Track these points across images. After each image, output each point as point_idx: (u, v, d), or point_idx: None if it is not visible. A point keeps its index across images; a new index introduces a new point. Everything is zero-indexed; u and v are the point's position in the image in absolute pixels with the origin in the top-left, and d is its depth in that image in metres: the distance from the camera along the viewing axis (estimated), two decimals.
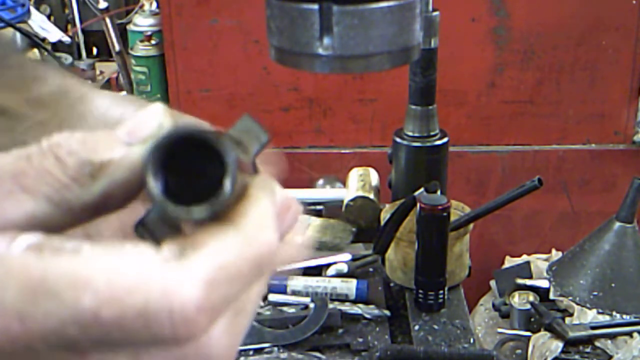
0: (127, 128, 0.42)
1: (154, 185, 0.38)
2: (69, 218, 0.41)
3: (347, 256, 1.45)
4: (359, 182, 1.59)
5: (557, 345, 1.58)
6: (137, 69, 2.50)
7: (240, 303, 0.40)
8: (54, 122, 0.57)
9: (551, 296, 1.73)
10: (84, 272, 0.36)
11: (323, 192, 1.71)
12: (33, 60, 0.64)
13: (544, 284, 1.78)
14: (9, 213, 0.39)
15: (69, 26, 2.82)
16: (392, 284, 1.40)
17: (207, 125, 0.54)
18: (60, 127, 0.57)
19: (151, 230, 0.42)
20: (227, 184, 0.38)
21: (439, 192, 1.28)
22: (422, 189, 1.29)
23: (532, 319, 1.75)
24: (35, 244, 0.38)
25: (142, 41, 2.50)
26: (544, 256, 2.14)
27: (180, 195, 0.39)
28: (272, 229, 0.41)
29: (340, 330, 1.28)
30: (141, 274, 0.37)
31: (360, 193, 1.54)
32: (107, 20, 2.55)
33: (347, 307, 1.30)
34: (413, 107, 1.46)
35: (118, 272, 0.37)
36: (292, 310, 1.31)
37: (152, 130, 0.41)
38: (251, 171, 0.44)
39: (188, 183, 0.40)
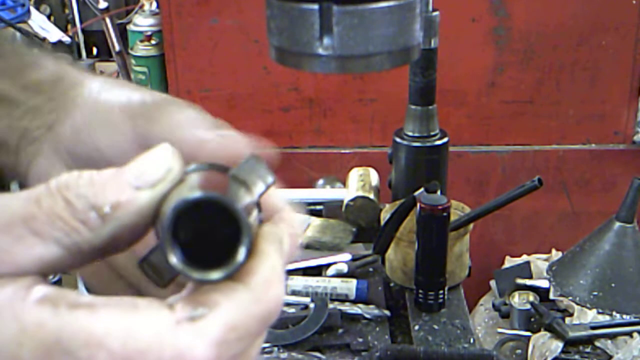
0: (135, 170, 0.41)
1: (174, 257, 0.39)
2: (78, 260, 0.41)
3: (347, 256, 1.45)
4: (359, 182, 1.59)
5: (557, 345, 1.58)
6: (137, 69, 2.50)
7: (246, 354, 0.41)
8: (48, 107, 0.57)
9: (551, 296, 1.73)
10: (99, 331, 0.37)
11: (323, 192, 1.71)
12: (28, 48, 0.64)
13: (544, 284, 1.78)
14: (20, 258, 0.39)
15: (69, 26, 2.82)
16: (392, 284, 1.40)
17: (210, 119, 0.54)
18: (54, 112, 0.57)
19: (155, 268, 0.43)
20: (243, 251, 0.40)
21: (439, 192, 1.28)
22: (422, 189, 1.29)
23: (532, 319, 1.75)
24: (50, 297, 0.38)
25: (142, 41, 2.50)
26: (544, 256, 2.14)
27: (191, 246, 0.40)
28: (280, 284, 0.41)
29: (340, 330, 1.28)
30: (155, 335, 0.37)
31: (360, 193, 1.54)
32: (107, 20, 2.55)
33: (347, 307, 1.30)
34: (413, 107, 1.46)
35: (132, 332, 0.37)
36: (292, 310, 1.31)
37: (161, 174, 0.42)
38: (256, 213, 0.45)
39: (198, 233, 0.41)
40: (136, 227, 0.41)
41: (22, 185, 0.60)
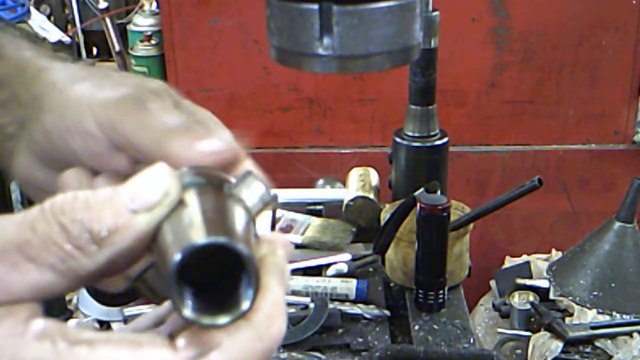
0: (131, 191, 0.40)
1: (187, 310, 0.39)
2: (74, 285, 0.40)
3: (347, 256, 1.45)
4: (359, 182, 1.58)
5: (557, 345, 1.58)
6: (137, 69, 2.50)
7: None
8: (15, 102, 0.56)
9: (551, 296, 1.73)
10: None
11: (323, 192, 1.71)
12: None
13: (544, 284, 1.78)
14: (15, 286, 0.39)
15: (69, 26, 2.82)
16: (392, 284, 1.40)
17: (213, 118, 0.53)
18: (22, 108, 0.55)
19: (150, 285, 0.42)
20: (250, 296, 0.39)
21: (439, 192, 1.28)
22: (422, 189, 1.29)
23: (532, 319, 1.75)
24: (48, 333, 0.37)
25: (142, 41, 2.50)
26: (544, 256, 2.14)
27: (193, 282, 0.39)
28: (281, 319, 0.41)
29: (340, 330, 1.28)
30: None
31: (360, 193, 1.54)
32: (107, 20, 2.55)
33: (347, 307, 1.30)
34: (413, 107, 1.46)
35: None
36: (292, 310, 1.31)
37: (158, 197, 0.41)
38: (254, 230, 0.44)
39: (200, 269, 0.41)
40: (133, 251, 0.41)
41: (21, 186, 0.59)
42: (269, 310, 0.40)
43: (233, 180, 0.47)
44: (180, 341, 0.39)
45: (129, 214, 0.40)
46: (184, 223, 0.40)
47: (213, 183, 0.45)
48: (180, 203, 0.42)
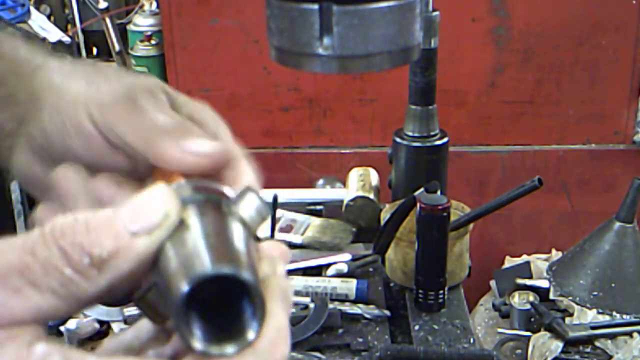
0: (131, 213, 0.40)
1: (194, 340, 0.39)
2: (74, 308, 0.40)
3: (347, 256, 1.44)
4: (359, 182, 1.58)
5: (557, 345, 1.57)
6: (137, 69, 2.50)
7: None
8: (12, 100, 0.56)
9: (551, 296, 1.73)
10: None
11: (323, 192, 1.71)
12: None
13: (544, 284, 1.78)
14: (17, 310, 0.39)
15: (69, 26, 2.82)
16: (392, 284, 1.40)
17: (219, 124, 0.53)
18: (20, 105, 0.55)
19: (151, 305, 0.42)
20: (254, 330, 0.40)
21: (439, 192, 1.28)
22: (422, 189, 1.29)
23: (532, 319, 1.75)
24: (51, 356, 0.38)
25: (142, 41, 2.50)
26: (544, 256, 2.14)
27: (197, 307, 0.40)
28: (285, 343, 0.41)
29: (340, 330, 1.28)
30: None
31: (360, 193, 1.54)
32: (107, 20, 2.55)
33: (347, 307, 1.30)
34: (413, 107, 1.46)
35: None
36: (292, 310, 1.30)
37: (157, 220, 0.41)
38: (254, 245, 0.45)
39: (205, 293, 0.41)
40: (134, 274, 0.41)
41: (19, 184, 0.59)
42: (273, 336, 0.40)
43: (229, 191, 0.47)
44: None
45: (129, 237, 0.40)
46: (188, 249, 0.40)
47: (211, 200, 0.45)
48: (181, 224, 0.42)
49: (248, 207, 0.45)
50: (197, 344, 0.39)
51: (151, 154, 0.49)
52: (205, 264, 0.39)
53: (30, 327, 0.39)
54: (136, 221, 0.40)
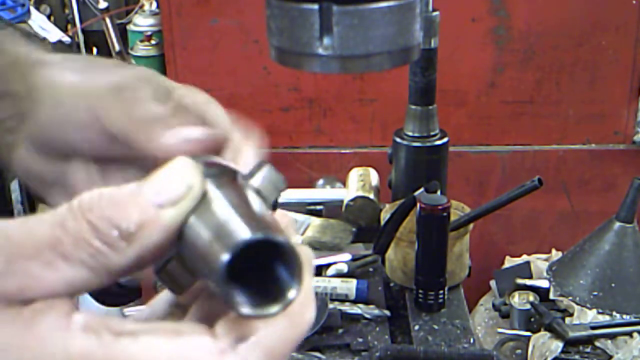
0: (155, 186, 0.41)
1: (241, 305, 0.40)
2: (105, 280, 0.41)
3: (347, 256, 1.45)
4: (359, 182, 1.59)
5: (557, 345, 1.57)
6: None
7: None
8: (12, 96, 0.57)
9: (551, 296, 1.73)
10: (145, 359, 0.38)
11: (323, 192, 1.71)
12: None
13: (544, 284, 1.78)
14: (50, 282, 0.40)
15: (69, 26, 2.82)
16: (392, 284, 1.40)
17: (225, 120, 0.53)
18: (22, 101, 0.56)
19: (173, 277, 0.43)
20: (295, 289, 0.40)
21: (439, 192, 1.28)
22: (422, 189, 1.29)
23: (532, 319, 1.75)
24: (92, 326, 0.39)
25: (142, 41, 2.50)
26: (544, 256, 2.13)
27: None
28: (312, 306, 0.43)
29: (340, 330, 1.28)
30: None
31: (360, 193, 1.54)
32: (107, 20, 2.55)
33: (347, 307, 1.30)
34: (413, 107, 1.46)
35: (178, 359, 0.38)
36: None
37: (182, 191, 0.41)
38: (273, 218, 0.45)
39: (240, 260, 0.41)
40: (161, 245, 0.41)
41: (18, 182, 0.59)
42: (302, 299, 0.41)
43: (240, 169, 0.47)
44: (219, 329, 0.40)
45: (155, 210, 0.40)
46: (218, 218, 0.41)
47: (226, 173, 0.45)
48: (203, 195, 0.42)
49: (264, 179, 0.46)
50: (244, 309, 0.39)
51: (148, 143, 0.51)
52: (243, 231, 0.39)
53: (65, 299, 0.40)
54: (161, 193, 0.41)
